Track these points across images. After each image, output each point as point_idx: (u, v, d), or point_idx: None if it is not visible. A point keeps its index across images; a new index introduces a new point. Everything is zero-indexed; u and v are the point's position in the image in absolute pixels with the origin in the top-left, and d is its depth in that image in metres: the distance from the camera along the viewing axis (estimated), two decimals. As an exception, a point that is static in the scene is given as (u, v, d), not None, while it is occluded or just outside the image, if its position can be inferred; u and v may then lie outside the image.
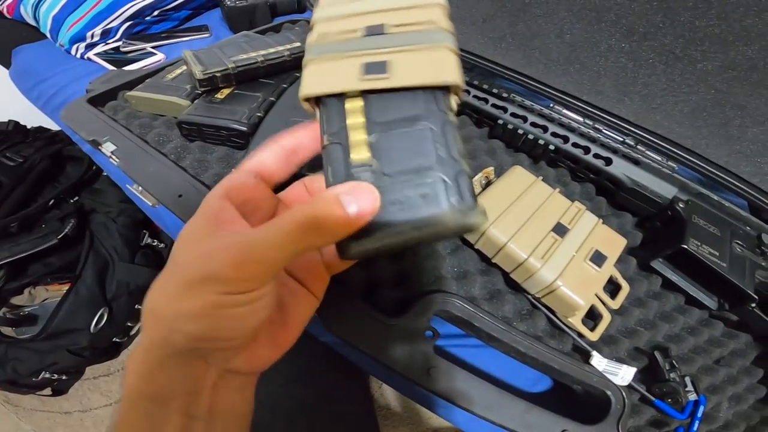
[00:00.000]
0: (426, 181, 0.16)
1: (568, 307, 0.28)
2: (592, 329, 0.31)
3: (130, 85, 0.49)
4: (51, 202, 0.84)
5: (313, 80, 0.19)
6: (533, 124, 0.39)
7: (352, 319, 0.30)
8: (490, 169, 0.35)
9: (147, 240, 0.98)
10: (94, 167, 0.89)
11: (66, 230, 0.85)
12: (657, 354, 0.33)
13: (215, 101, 0.42)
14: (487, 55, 0.50)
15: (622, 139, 0.41)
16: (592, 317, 0.32)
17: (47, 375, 0.89)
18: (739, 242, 0.36)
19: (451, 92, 0.19)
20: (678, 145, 0.42)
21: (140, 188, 0.47)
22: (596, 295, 0.29)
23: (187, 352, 0.17)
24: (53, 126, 0.88)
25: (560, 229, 0.30)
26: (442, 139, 0.17)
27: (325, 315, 0.29)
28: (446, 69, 0.18)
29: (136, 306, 1.01)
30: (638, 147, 0.41)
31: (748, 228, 0.38)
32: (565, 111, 0.44)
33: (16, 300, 0.98)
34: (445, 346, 0.35)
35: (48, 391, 0.95)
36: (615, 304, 0.32)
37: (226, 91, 0.43)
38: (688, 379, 0.31)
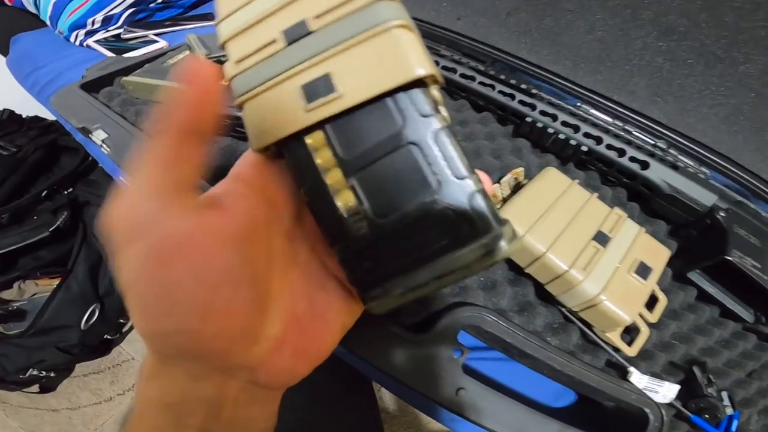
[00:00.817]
0: (432, 219, 0.13)
1: (611, 323, 0.26)
2: (629, 344, 0.29)
3: (128, 70, 0.46)
4: (44, 194, 0.80)
5: (256, 128, 0.15)
6: (564, 123, 0.36)
7: (370, 334, 0.27)
8: (520, 170, 0.33)
9: (143, 234, 0.96)
10: (90, 158, 0.86)
11: (58, 223, 0.82)
12: (695, 369, 0.30)
13: None
14: (510, 49, 0.47)
15: (653, 143, 0.39)
16: (628, 331, 0.30)
17: (35, 372, 0.86)
18: (780, 254, 0.34)
19: (427, 85, 0.14)
20: (712, 150, 0.40)
21: None
22: (639, 312, 0.27)
23: (200, 367, 0.14)
24: (49, 116, 0.85)
25: (601, 238, 0.27)
26: (435, 156, 0.14)
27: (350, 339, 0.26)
28: (407, 58, 0.14)
29: (129, 302, 0.98)
30: (670, 151, 0.39)
31: (787, 239, 0.36)
32: (592, 111, 0.41)
33: (4, 294, 0.94)
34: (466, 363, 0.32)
35: (36, 388, 0.92)
36: (653, 317, 0.30)
37: None
38: (725, 394, 0.29)
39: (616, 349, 0.29)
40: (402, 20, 0.13)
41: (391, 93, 0.14)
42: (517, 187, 0.32)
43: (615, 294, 0.25)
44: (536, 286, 0.30)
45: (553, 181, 0.30)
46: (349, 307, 0.17)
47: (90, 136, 0.39)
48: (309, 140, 0.15)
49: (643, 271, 0.27)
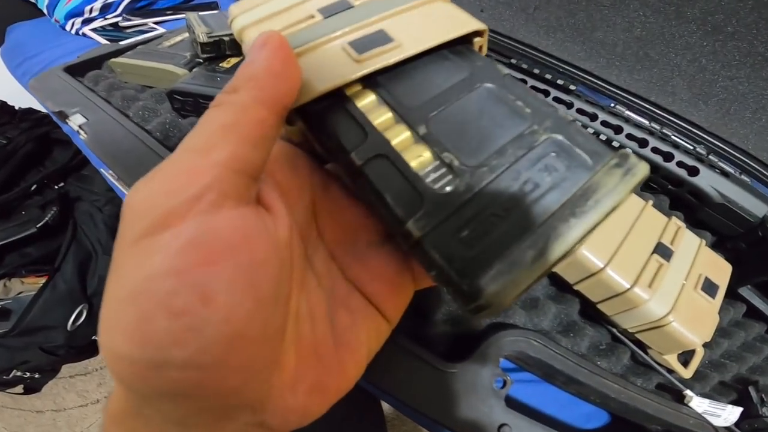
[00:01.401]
0: (542, 150, 0.11)
1: (677, 345, 0.23)
2: (684, 365, 0.26)
3: (119, 53, 0.42)
4: (33, 188, 0.76)
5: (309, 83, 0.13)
6: (604, 123, 0.33)
7: (396, 363, 0.23)
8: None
9: (135, 233, 0.92)
10: (80, 151, 0.82)
11: (46, 219, 0.78)
12: (751, 389, 0.28)
13: (219, 70, 0.36)
14: (539, 45, 0.44)
15: (692, 147, 0.36)
16: (682, 351, 0.27)
17: (19, 373, 0.83)
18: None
19: (475, 45, 0.14)
20: (753, 158, 0.38)
21: (112, 173, 0.40)
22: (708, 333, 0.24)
23: (189, 409, 0.10)
24: (42, 108, 0.80)
25: (663, 251, 0.24)
26: (517, 92, 0.12)
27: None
28: (461, 16, 0.14)
29: (120, 303, 0.95)
30: (710, 157, 0.36)
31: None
32: (627, 112, 0.38)
33: (-13, 293, 0.89)
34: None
35: (20, 388, 0.89)
36: (707, 336, 0.27)
37: (233, 60, 0.37)
38: None
39: (670, 371, 0.26)
40: None
41: (449, 45, 0.13)
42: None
43: (684, 314, 0.22)
44: (582, 303, 0.27)
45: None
46: (377, 327, 0.14)
47: (67, 120, 0.35)
48: (359, 101, 0.12)
49: (709, 288, 0.24)
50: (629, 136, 0.33)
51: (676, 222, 0.27)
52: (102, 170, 0.41)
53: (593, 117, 0.33)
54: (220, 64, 0.36)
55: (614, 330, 0.26)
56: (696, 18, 0.37)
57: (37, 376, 0.87)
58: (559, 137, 0.11)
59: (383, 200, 0.11)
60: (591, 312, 0.26)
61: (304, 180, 0.13)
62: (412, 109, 0.12)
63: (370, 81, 0.13)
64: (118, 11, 0.62)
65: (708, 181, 0.31)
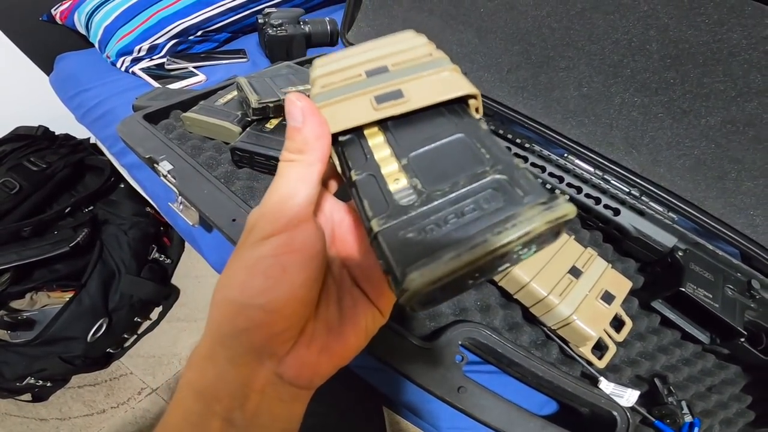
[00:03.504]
0: (485, 182, 0.15)
1: (581, 338, 0.35)
2: (599, 358, 0.38)
3: (183, 105, 0.55)
4: (67, 210, 0.89)
5: (333, 120, 0.20)
6: (551, 174, 0.46)
7: (389, 340, 0.36)
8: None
9: (155, 254, 1.04)
10: (113, 179, 0.95)
11: (78, 239, 0.90)
12: (656, 380, 0.39)
13: (265, 131, 0.48)
14: (509, 103, 0.58)
15: (628, 191, 0.49)
16: (599, 348, 0.39)
17: (32, 380, 0.92)
18: (731, 287, 0.43)
19: (471, 106, 0.19)
20: (679, 198, 0.50)
21: (182, 207, 0.53)
22: (604, 329, 0.36)
23: (244, 346, 0.17)
24: (79, 134, 0.94)
25: (575, 272, 0.37)
26: (484, 142, 0.17)
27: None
28: (460, 84, 0.19)
29: (135, 319, 1.06)
30: (642, 198, 0.49)
31: (739, 274, 0.46)
32: (577, 161, 0.52)
33: (15, 304, 1.01)
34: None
35: (28, 396, 0.97)
36: (620, 337, 0.39)
37: (274, 122, 0.50)
38: (684, 403, 0.37)
39: (589, 362, 0.38)
40: (457, 69, 0.20)
41: (445, 105, 0.18)
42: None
43: (584, 315, 0.35)
44: (523, 310, 0.40)
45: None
46: (373, 313, 0.20)
47: (156, 166, 0.47)
48: (370, 141, 0.19)
49: (607, 298, 0.37)
50: (569, 185, 0.46)
51: (590, 252, 0.39)
52: (168, 204, 0.53)
53: (543, 169, 0.47)
54: (266, 126, 0.48)
55: (545, 329, 0.38)
56: (628, 77, 0.49)
57: (48, 384, 0.96)
58: (505, 178, 0.15)
59: (362, 204, 0.17)
60: (529, 315, 0.39)
61: (328, 213, 0.21)
62: (404, 147, 0.18)
63: (383, 124, 0.19)
64: (163, 53, 0.77)
65: (627, 219, 0.44)
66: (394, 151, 0.18)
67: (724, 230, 0.49)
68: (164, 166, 0.47)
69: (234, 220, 0.43)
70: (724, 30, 0.43)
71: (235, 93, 0.56)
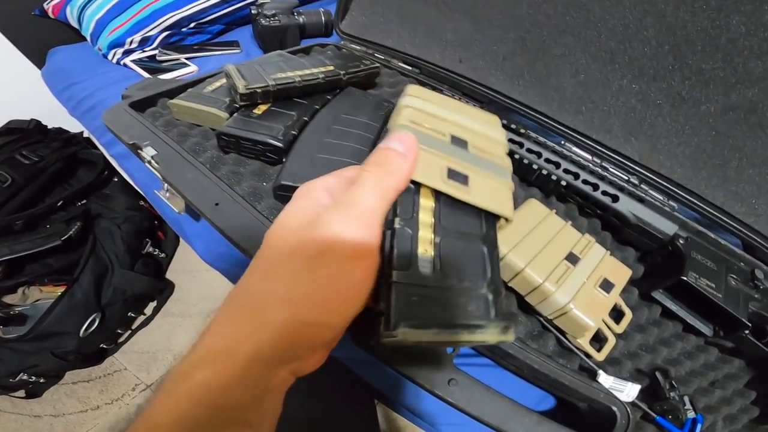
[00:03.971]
0: (477, 292, 0.21)
1: (579, 328, 0.33)
2: (598, 350, 0.35)
3: (171, 93, 0.53)
4: (59, 204, 0.87)
5: None
6: (547, 160, 0.44)
7: (376, 333, 0.33)
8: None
9: (149, 249, 1.02)
10: (106, 172, 0.93)
11: (71, 233, 0.88)
12: (658, 374, 0.37)
13: (253, 116, 0.46)
14: (505, 90, 0.56)
15: (627, 178, 0.47)
16: (598, 340, 0.36)
17: (25, 377, 0.90)
18: (734, 276, 0.41)
19: (501, 224, 0.25)
20: (679, 186, 0.48)
21: (168, 194, 0.51)
22: (603, 319, 0.34)
23: (288, 354, 0.18)
24: (72, 128, 0.92)
25: (572, 258, 0.34)
26: (490, 263, 0.22)
27: (353, 330, 0.33)
28: (507, 205, 0.24)
29: (129, 314, 1.03)
30: (642, 186, 0.46)
31: (742, 264, 0.43)
32: (574, 149, 0.49)
33: (7, 299, 0.99)
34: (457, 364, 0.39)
35: (22, 393, 0.95)
36: (619, 328, 0.37)
37: (263, 107, 0.47)
38: (686, 398, 0.35)
39: (587, 355, 0.36)
40: (511, 185, 0.25)
41: (488, 212, 0.24)
42: (505, 214, 0.39)
43: (582, 303, 0.32)
44: (518, 299, 0.37)
45: (533, 210, 0.37)
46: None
47: (139, 152, 0.45)
48: (422, 199, 0.23)
49: (606, 286, 0.34)
50: (565, 171, 0.43)
51: (588, 238, 0.37)
52: (154, 191, 0.51)
53: (539, 155, 0.44)
54: (253, 111, 0.46)
55: (541, 319, 0.36)
56: (626, 63, 0.47)
57: (41, 380, 0.94)
58: (490, 298, 0.21)
59: (393, 250, 0.20)
60: (524, 305, 0.36)
61: None
62: (443, 226, 0.22)
63: (439, 193, 0.23)
64: (155, 44, 0.75)
65: (626, 206, 0.42)
66: (435, 224, 0.22)
67: (725, 219, 0.47)
68: (148, 152, 0.45)
69: (217, 204, 0.40)
70: (722, 16, 0.41)
71: (223, 80, 0.53)
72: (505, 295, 0.23)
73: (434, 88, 0.57)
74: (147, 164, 0.46)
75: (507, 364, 0.36)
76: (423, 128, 0.26)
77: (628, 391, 0.35)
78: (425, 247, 0.22)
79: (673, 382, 0.37)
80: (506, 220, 0.24)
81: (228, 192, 0.41)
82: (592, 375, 0.35)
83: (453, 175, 0.24)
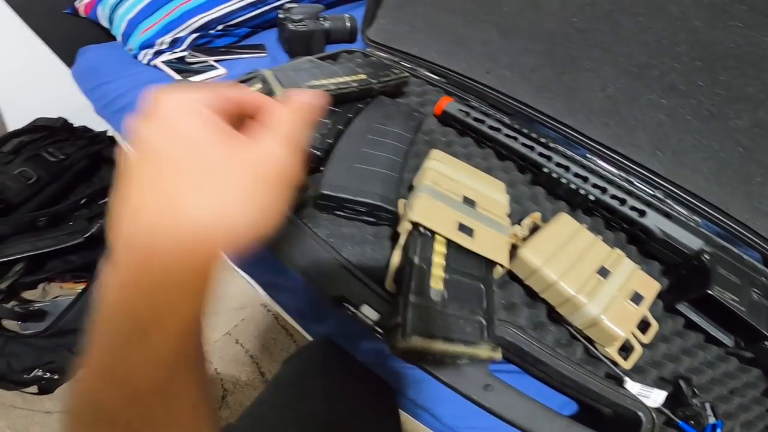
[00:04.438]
0: (474, 318, 0.30)
1: (609, 338, 0.35)
2: (625, 359, 0.38)
3: None
4: (82, 201, 0.91)
5: (424, 213, 0.34)
6: (575, 175, 0.47)
7: None
8: (537, 215, 0.43)
9: (167, 247, 1.05)
10: (129, 170, 0.96)
11: (93, 230, 0.92)
12: (681, 382, 0.39)
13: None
14: (531, 102, 0.58)
15: (652, 192, 0.49)
16: (624, 349, 0.39)
17: (40, 373, 0.92)
18: (756, 290, 0.43)
19: (497, 270, 0.36)
20: (704, 201, 0.50)
21: None
22: (632, 330, 0.36)
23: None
24: (97, 126, 0.96)
25: (603, 272, 0.37)
26: (487, 298, 0.32)
27: (390, 337, 0.36)
28: (504, 255, 0.35)
29: (146, 311, 1.07)
30: (667, 201, 0.49)
31: (763, 278, 0.46)
32: (600, 162, 0.52)
33: (27, 294, 1.03)
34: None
35: (34, 389, 0.96)
36: (646, 339, 0.39)
37: None
38: (708, 405, 0.37)
39: (614, 363, 0.38)
40: (509, 239, 0.37)
41: (489, 259, 0.34)
42: (534, 229, 0.42)
43: (612, 315, 0.35)
44: (548, 309, 0.40)
45: (565, 224, 0.40)
46: None
47: None
48: (437, 245, 0.33)
49: (636, 298, 0.37)
50: (594, 185, 0.46)
51: (618, 252, 0.39)
52: None
53: (567, 169, 0.47)
54: None
55: (570, 329, 0.39)
56: (656, 78, 0.49)
57: (56, 377, 0.95)
58: (484, 323, 0.30)
59: (411, 280, 0.30)
60: (554, 315, 0.39)
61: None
62: (452, 267, 0.32)
63: (450, 241, 0.33)
64: (184, 46, 0.78)
65: (653, 221, 0.44)
66: (445, 265, 0.32)
67: (748, 234, 0.49)
68: None
69: None
70: (756, 34, 0.43)
71: (258, 86, 0.56)
72: (497, 322, 0.31)
73: (461, 99, 0.60)
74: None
75: (536, 371, 0.39)
76: (441, 188, 0.37)
77: (655, 398, 0.37)
78: (437, 281, 0.31)
79: (695, 389, 0.40)
80: (501, 266, 0.35)
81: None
82: (619, 382, 0.38)
83: (463, 228, 0.34)
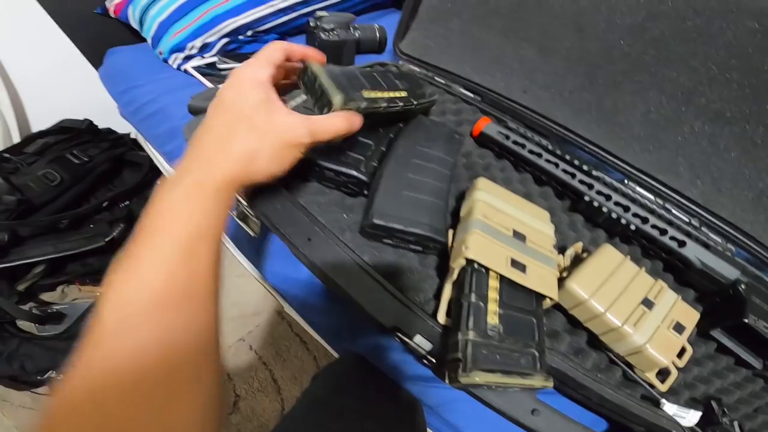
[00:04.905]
0: (528, 351, 0.34)
1: (651, 365, 0.39)
2: (662, 382, 0.42)
3: None
4: (104, 204, 0.95)
5: (479, 250, 0.37)
6: (617, 204, 0.50)
7: None
8: (580, 245, 0.47)
9: (187, 252, 1.08)
10: (151, 175, 1.00)
11: (114, 234, 0.96)
12: (713, 402, 0.44)
13: (334, 143, 0.50)
14: (568, 124, 0.62)
15: (688, 220, 0.53)
16: (661, 373, 0.43)
17: (53, 374, 0.96)
18: (787, 318, 0.47)
19: (546, 302, 0.39)
20: (738, 230, 0.54)
21: (241, 216, 0.57)
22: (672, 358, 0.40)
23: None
24: (121, 129, 0.99)
25: (647, 303, 0.41)
26: (539, 331, 0.36)
27: (442, 368, 0.38)
28: (553, 289, 0.39)
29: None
30: (702, 229, 0.52)
31: (793, 307, 0.49)
32: (638, 189, 0.55)
33: (46, 296, 1.07)
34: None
35: (45, 389, 1.00)
36: (681, 363, 0.43)
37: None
38: (736, 424, 0.41)
39: (651, 385, 0.42)
40: (557, 273, 0.41)
41: (539, 293, 0.38)
42: (576, 259, 0.46)
43: (656, 344, 0.39)
44: (589, 336, 0.44)
45: (609, 255, 0.44)
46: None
47: None
48: (491, 281, 0.37)
49: (678, 328, 0.41)
50: (634, 215, 0.49)
51: (661, 283, 0.43)
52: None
53: (608, 198, 0.50)
54: None
55: (610, 354, 0.42)
56: (702, 105, 0.51)
57: None
58: (536, 354, 0.35)
59: (469, 317, 0.34)
60: (595, 341, 0.43)
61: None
62: (506, 302, 0.36)
63: (503, 277, 0.37)
64: (214, 51, 0.81)
65: (692, 252, 0.48)
66: (499, 300, 0.36)
67: (781, 263, 0.53)
68: None
69: (309, 239, 0.44)
70: None
71: (299, 100, 0.56)
72: (544, 357, 0.35)
73: (498, 119, 0.63)
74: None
75: (576, 394, 0.43)
76: (492, 222, 0.40)
77: (690, 418, 0.41)
78: (492, 316, 0.35)
79: (725, 409, 0.44)
80: (551, 299, 0.39)
81: (318, 226, 0.44)
82: (656, 403, 0.42)
83: (515, 264, 0.38)
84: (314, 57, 0.41)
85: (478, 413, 0.44)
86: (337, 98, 0.39)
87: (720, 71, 0.50)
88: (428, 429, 0.55)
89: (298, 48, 0.40)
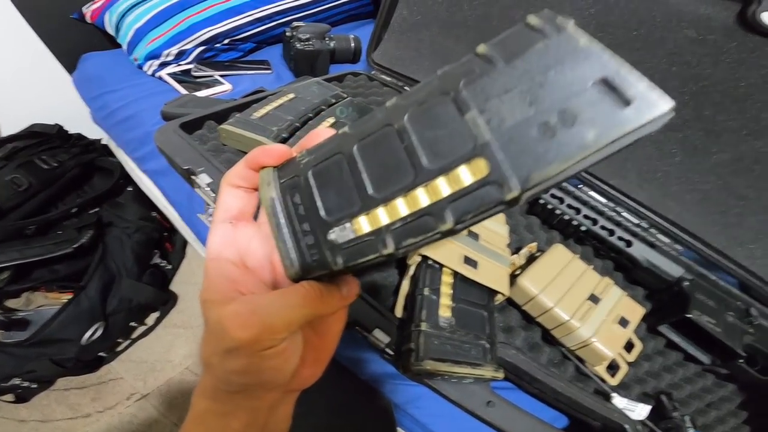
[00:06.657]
0: (479, 342, 0.36)
1: (598, 358, 0.41)
2: (612, 376, 0.44)
3: (217, 116, 0.58)
4: (73, 210, 0.93)
5: (432, 247, 0.38)
6: (569, 206, 0.53)
7: None
8: (534, 245, 0.49)
9: (156, 260, 1.07)
10: (121, 181, 0.99)
11: (83, 240, 0.94)
12: (663, 397, 0.46)
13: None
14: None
15: (638, 222, 0.56)
16: (611, 367, 0.45)
17: (17, 381, 0.93)
18: (731, 313, 0.50)
19: (498, 298, 0.41)
20: (685, 231, 0.57)
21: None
22: (619, 351, 0.42)
23: (245, 388, 0.22)
24: (91, 134, 0.98)
25: (594, 299, 0.43)
26: (490, 324, 0.38)
27: (403, 360, 0.39)
28: (505, 285, 0.41)
29: (131, 323, 1.08)
30: (651, 230, 0.55)
31: (738, 302, 0.52)
32: (590, 192, 0.58)
33: (10, 303, 1.04)
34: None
35: (10, 397, 0.98)
36: (630, 357, 0.46)
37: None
38: (687, 418, 0.44)
39: (603, 380, 0.44)
40: (509, 270, 0.43)
41: (491, 288, 0.41)
42: (531, 258, 0.48)
43: (602, 337, 0.41)
44: (542, 331, 0.46)
45: (560, 254, 0.46)
46: (340, 316, 0.26)
47: (193, 178, 0.49)
48: (444, 276, 0.40)
49: (623, 322, 0.43)
50: (585, 216, 0.52)
51: (607, 280, 0.46)
52: (197, 214, 0.57)
53: (561, 200, 0.53)
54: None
55: (563, 350, 0.44)
56: None
57: (34, 386, 0.97)
58: (487, 346, 0.37)
59: (422, 309, 0.37)
60: (548, 337, 0.45)
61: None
62: (458, 296, 0.39)
63: (456, 273, 0.39)
64: (190, 59, 0.81)
65: (639, 251, 0.51)
66: (452, 294, 0.38)
67: (725, 262, 0.56)
68: (203, 179, 0.49)
69: None
70: (743, 69, 0.48)
71: (269, 107, 0.58)
72: (495, 348, 0.37)
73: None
74: (198, 189, 0.52)
75: (532, 388, 0.45)
76: None
77: (639, 411, 0.43)
78: (445, 309, 0.37)
79: (676, 404, 0.46)
80: (503, 295, 0.41)
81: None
82: (606, 397, 0.44)
83: (468, 261, 0.40)
84: (264, 161, 0.24)
85: (443, 410, 0.45)
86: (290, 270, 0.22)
87: (662, 78, 0.53)
88: (398, 428, 0.56)
89: (249, 157, 0.24)
